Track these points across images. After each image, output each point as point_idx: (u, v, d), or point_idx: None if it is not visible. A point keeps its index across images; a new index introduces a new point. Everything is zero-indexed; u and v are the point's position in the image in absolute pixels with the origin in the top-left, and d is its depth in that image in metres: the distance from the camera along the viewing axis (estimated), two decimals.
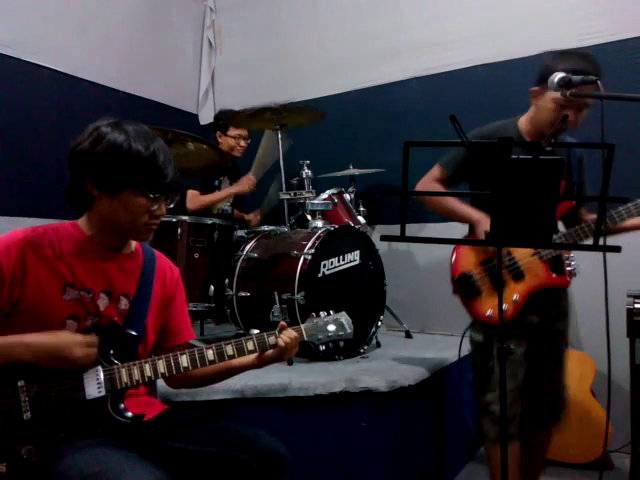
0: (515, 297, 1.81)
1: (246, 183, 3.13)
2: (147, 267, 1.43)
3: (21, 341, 1.21)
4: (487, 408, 1.84)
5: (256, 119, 2.88)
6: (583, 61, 1.71)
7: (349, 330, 1.47)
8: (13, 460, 1.17)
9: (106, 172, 1.26)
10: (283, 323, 1.41)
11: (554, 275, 1.87)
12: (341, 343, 1.46)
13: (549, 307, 1.91)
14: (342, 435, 1.97)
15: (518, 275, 1.84)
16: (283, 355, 1.38)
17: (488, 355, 1.85)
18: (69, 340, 1.23)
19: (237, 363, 1.41)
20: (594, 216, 1.81)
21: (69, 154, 1.30)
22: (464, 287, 1.85)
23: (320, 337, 1.44)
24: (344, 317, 1.48)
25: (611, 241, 1.45)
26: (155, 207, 1.31)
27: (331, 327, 1.45)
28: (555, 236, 1.84)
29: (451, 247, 1.93)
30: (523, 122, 1.91)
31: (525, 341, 1.86)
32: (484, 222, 1.78)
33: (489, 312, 1.81)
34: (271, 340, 1.38)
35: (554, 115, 1.76)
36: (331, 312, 1.48)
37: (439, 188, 1.93)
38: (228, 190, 3.19)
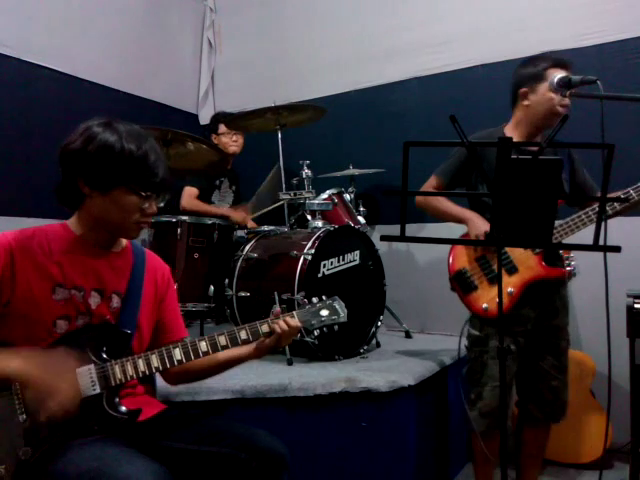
0: (510, 290, 1.87)
1: (240, 215, 3.06)
2: (137, 265, 1.43)
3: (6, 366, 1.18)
4: (476, 401, 1.93)
5: (256, 119, 2.88)
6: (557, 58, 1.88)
7: (342, 314, 1.44)
8: (11, 462, 1.17)
9: (98, 171, 1.27)
10: (278, 309, 1.41)
11: (548, 267, 1.90)
12: (335, 327, 1.42)
13: (546, 301, 1.95)
14: (342, 435, 1.97)
15: (511, 269, 1.90)
16: (281, 342, 1.39)
17: (483, 349, 1.93)
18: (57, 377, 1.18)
19: (235, 354, 1.42)
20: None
21: (60, 153, 1.31)
22: (460, 283, 1.93)
23: (313, 322, 1.43)
24: (337, 302, 1.46)
25: (612, 239, 1.45)
26: (146, 205, 1.32)
27: (324, 312, 1.43)
28: (556, 222, 1.84)
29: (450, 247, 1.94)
30: (509, 129, 1.99)
31: (521, 336, 1.91)
32: (475, 220, 1.92)
33: (484, 305, 1.89)
34: (264, 328, 1.38)
35: (552, 103, 1.86)
36: (323, 297, 1.46)
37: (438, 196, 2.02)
38: (223, 210, 3.17)
